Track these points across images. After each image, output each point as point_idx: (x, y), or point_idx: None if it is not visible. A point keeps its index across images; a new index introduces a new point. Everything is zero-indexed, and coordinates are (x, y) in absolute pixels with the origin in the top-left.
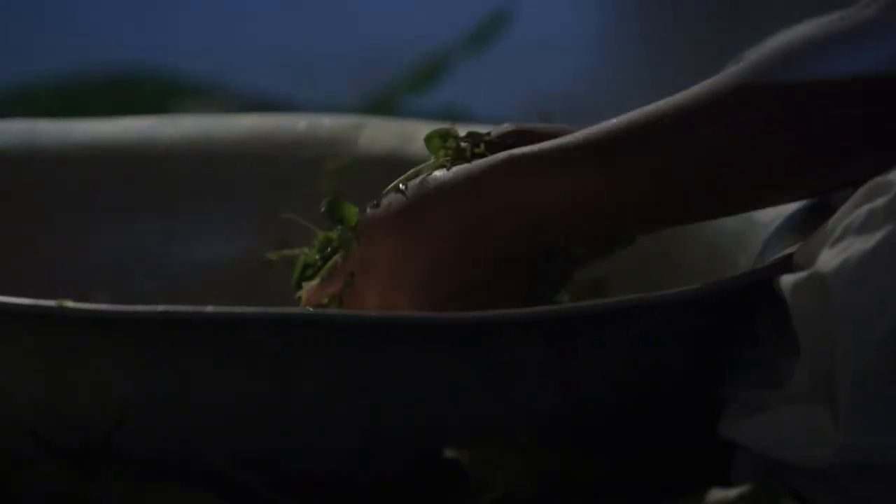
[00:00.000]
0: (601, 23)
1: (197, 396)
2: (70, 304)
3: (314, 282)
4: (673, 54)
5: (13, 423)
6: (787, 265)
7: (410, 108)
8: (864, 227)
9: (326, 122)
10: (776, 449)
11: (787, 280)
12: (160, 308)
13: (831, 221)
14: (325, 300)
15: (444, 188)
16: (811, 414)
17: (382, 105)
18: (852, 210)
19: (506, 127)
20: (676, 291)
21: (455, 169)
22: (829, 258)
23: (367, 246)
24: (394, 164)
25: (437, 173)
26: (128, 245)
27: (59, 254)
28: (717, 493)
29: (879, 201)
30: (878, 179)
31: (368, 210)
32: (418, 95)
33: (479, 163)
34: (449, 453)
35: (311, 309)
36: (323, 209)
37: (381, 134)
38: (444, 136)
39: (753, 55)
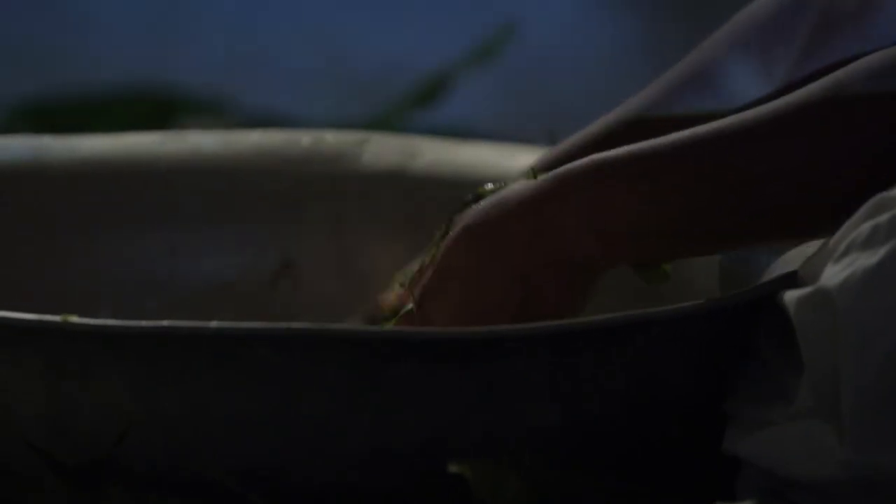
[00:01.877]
0: (607, 39)
1: (200, 412)
2: (75, 319)
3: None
4: None
5: (15, 439)
6: (791, 281)
7: (415, 124)
8: (869, 243)
9: (330, 138)
10: (781, 465)
11: (791, 295)
12: (165, 323)
13: (835, 237)
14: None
15: (522, 198)
16: (816, 430)
17: (387, 121)
18: (856, 226)
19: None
20: (680, 307)
21: (540, 179)
22: (833, 273)
23: (446, 252)
24: (398, 180)
25: (517, 185)
26: (132, 261)
27: (63, 269)
28: None
29: (883, 217)
30: (882, 195)
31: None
32: (423, 111)
33: (561, 170)
34: (453, 469)
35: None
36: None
37: (385, 150)
38: None
39: (839, 70)
